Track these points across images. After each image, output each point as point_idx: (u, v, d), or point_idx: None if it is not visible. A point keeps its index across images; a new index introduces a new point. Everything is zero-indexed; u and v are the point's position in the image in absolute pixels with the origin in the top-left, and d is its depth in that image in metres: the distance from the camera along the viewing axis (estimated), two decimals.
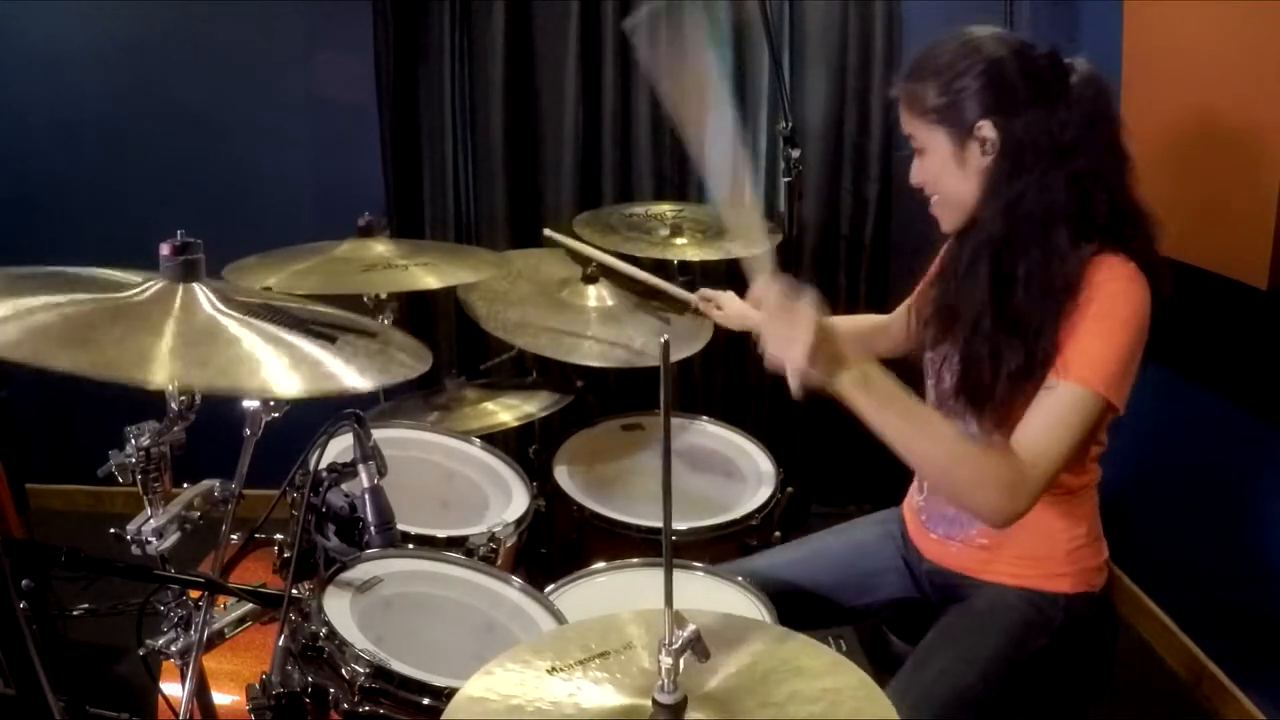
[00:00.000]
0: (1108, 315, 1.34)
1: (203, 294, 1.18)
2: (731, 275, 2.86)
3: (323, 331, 1.20)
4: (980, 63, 1.39)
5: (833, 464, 3.08)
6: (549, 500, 2.02)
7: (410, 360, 1.27)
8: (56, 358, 1.00)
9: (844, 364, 1.29)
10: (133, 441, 1.18)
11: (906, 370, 1.63)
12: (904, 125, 1.49)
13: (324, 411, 1.26)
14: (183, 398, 1.21)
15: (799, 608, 1.63)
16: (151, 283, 1.18)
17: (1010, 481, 1.31)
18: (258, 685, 1.22)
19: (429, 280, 1.94)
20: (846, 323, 2.00)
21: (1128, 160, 1.41)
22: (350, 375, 1.16)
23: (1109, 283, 1.35)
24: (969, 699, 1.41)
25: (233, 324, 1.16)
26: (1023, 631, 1.47)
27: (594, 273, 2.29)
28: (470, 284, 2.19)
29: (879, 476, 3.10)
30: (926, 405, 1.37)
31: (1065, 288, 1.36)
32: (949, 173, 1.45)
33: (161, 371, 1.04)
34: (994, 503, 1.32)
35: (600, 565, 1.68)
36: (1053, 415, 1.33)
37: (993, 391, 1.41)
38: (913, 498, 1.69)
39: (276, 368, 1.11)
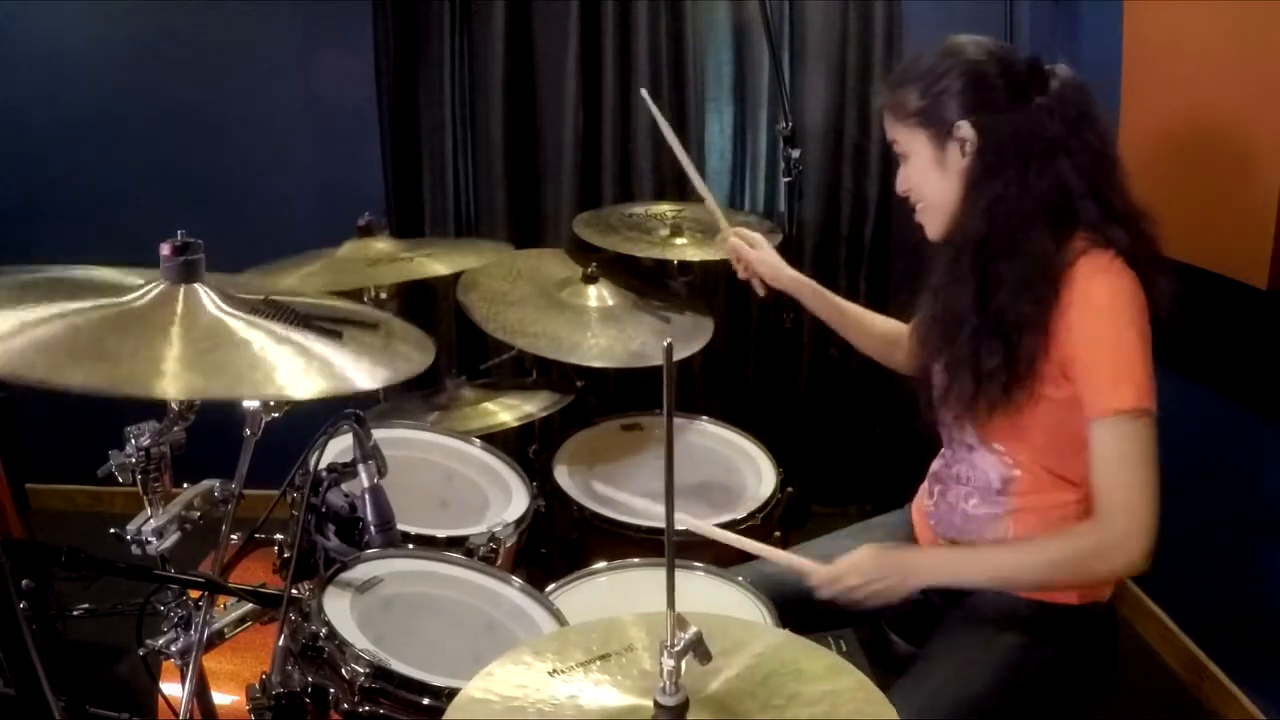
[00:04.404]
0: (1114, 324, 1.33)
1: (204, 295, 1.18)
2: (731, 274, 2.86)
3: (327, 328, 1.21)
4: (958, 65, 1.42)
5: (833, 464, 3.08)
6: (549, 500, 2.01)
7: (414, 354, 1.28)
8: (71, 375, 1.00)
9: (909, 579, 1.45)
10: (133, 441, 1.18)
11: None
12: (889, 133, 1.52)
13: (324, 411, 1.26)
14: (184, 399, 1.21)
15: (802, 610, 1.62)
16: (152, 285, 1.18)
17: (1113, 546, 1.32)
18: (258, 685, 1.22)
19: (437, 267, 1.93)
20: (873, 320, 1.88)
21: (1115, 161, 1.42)
22: (359, 375, 1.16)
23: (1099, 286, 1.34)
24: (973, 708, 1.41)
25: (238, 325, 1.16)
26: (1028, 644, 1.46)
27: (594, 273, 2.29)
28: (470, 285, 2.19)
29: (879, 476, 3.12)
30: (995, 547, 1.48)
31: (1046, 286, 1.36)
32: (931, 176, 1.47)
33: (174, 384, 1.04)
34: (1116, 569, 1.37)
35: (601, 565, 1.68)
36: (1116, 458, 1.32)
37: (977, 397, 1.42)
38: (921, 500, 1.68)
39: (290, 371, 1.11)
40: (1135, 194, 1.42)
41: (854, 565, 1.45)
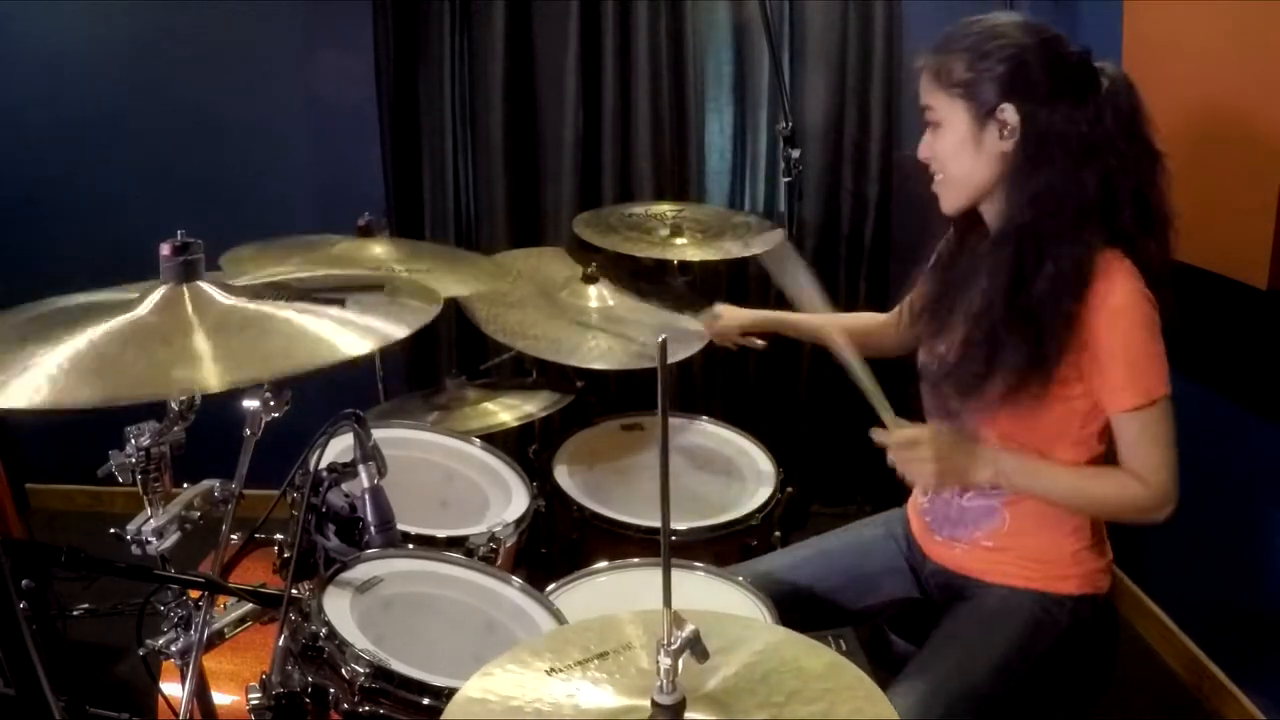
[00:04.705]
0: (1128, 326, 1.36)
1: (207, 289, 1.19)
2: (731, 275, 2.87)
3: (330, 298, 1.22)
4: (1011, 45, 1.40)
5: (833, 464, 3.08)
6: (549, 500, 2.01)
7: (423, 304, 1.29)
8: (110, 391, 1.00)
9: (974, 469, 1.44)
10: (133, 441, 1.18)
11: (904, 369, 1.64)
12: (924, 96, 1.48)
13: (324, 411, 1.26)
14: (183, 398, 1.21)
15: (802, 610, 1.63)
16: (152, 291, 1.18)
17: (1142, 503, 1.40)
18: (258, 685, 1.22)
19: None
20: (844, 320, 1.98)
21: (1159, 159, 1.42)
22: (392, 328, 1.19)
23: (1113, 288, 1.36)
24: (975, 698, 1.41)
25: (250, 309, 1.17)
26: (1029, 634, 1.47)
27: (594, 273, 2.29)
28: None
29: (879, 476, 3.10)
30: (1058, 469, 1.47)
31: (1080, 285, 1.37)
32: (963, 151, 1.44)
33: (219, 375, 1.05)
34: (1147, 520, 1.40)
35: (601, 565, 1.68)
36: (1145, 438, 1.39)
37: (984, 382, 1.42)
38: (917, 499, 1.68)
39: (332, 334, 1.14)
40: (1172, 196, 1.42)
41: (930, 435, 1.44)
